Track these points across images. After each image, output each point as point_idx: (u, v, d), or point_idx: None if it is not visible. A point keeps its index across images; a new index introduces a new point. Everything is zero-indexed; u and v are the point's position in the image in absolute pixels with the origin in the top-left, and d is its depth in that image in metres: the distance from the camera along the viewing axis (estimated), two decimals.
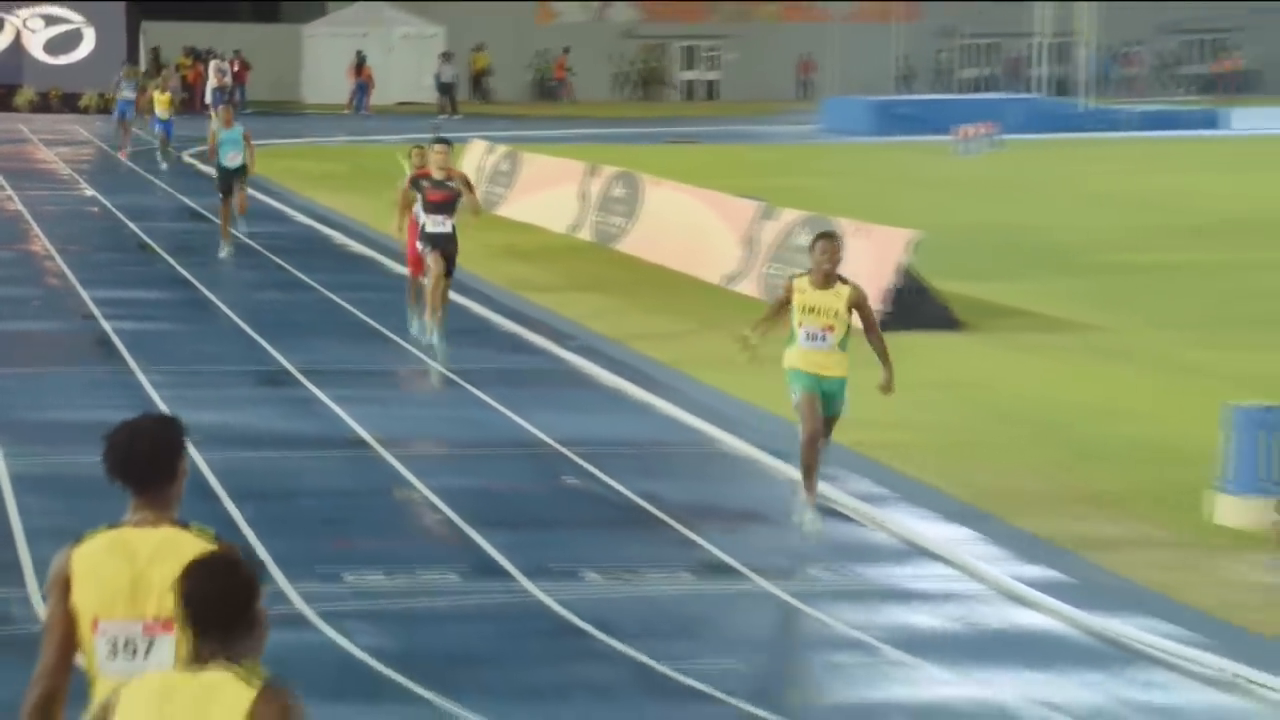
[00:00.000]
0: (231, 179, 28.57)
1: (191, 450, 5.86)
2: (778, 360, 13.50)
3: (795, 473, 15.31)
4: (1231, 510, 13.62)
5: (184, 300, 24.75)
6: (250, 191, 29.49)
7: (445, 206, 19.60)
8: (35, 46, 67.35)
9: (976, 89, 74.00)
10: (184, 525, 5.67)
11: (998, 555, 13.05)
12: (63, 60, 66.99)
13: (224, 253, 28.20)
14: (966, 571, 12.68)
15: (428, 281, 19.98)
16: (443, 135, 21.07)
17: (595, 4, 76.17)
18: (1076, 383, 19.24)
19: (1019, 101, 61.99)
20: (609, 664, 10.76)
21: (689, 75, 76.84)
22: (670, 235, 28.36)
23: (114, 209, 35.02)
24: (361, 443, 16.20)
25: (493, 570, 12.50)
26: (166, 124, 42.59)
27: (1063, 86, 71.54)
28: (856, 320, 13.23)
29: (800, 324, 13.23)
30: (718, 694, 10.24)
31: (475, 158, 36.22)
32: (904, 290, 22.41)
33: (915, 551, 13.22)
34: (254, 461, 15.44)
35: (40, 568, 12.34)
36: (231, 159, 28.42)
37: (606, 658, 10.85)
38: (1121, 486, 14.88)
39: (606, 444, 16.28)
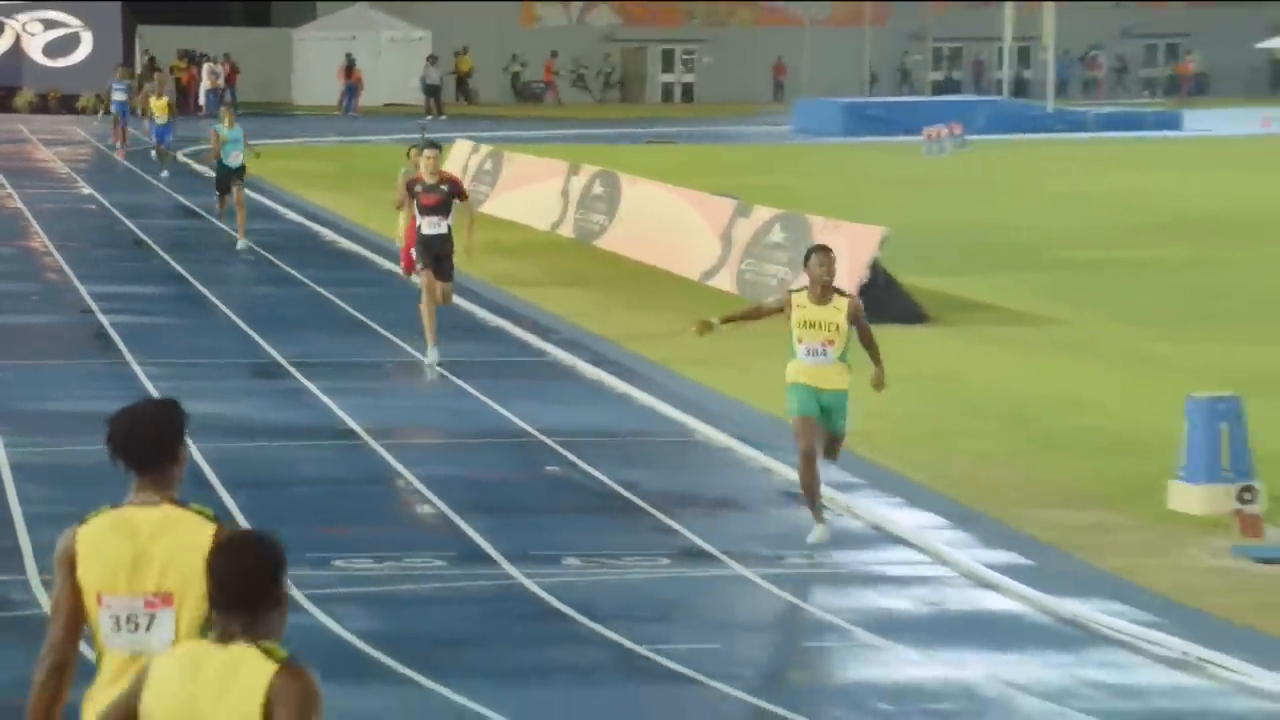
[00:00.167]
0: (230, 178, 28.60)
1: (187, 439, 5.88)
2: (758, 360, 13.50)
3: (768, 461, 15.34)
4: (1191, 498, 13.64)
5: (179, 295, 24.70)
6: (245, 191, 29.37)
7: (439, 209, 19.37)
8: (34, 49, 67.21)
9: (941, 91, 74.07)
10: (184, 505, 5.71)
11: (964, 541, 13.06)
12: (61, 63, 66.85)
13: (241, 245, 28.15)
14: (934, 557, 12.69)
15: (424, 305, 19.41)
16: (432, 140, 20.87)
17: (576, 7, 76.11)
18: (1041, 375, 19.27)
19: (985, 103, 62.05)
20: (590, 646, 10.76)
21: (667, 78, 76.80)
22: (649, 232, 28.36)
23: (111, 207, 34.95)
24: (351, 433, 16.18)
25: (478, 556, 12.49)
26: (164, 129, 42.32)
27: (1026, 89, 71.66)
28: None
29: (800, 340, 12.80)
30: (695, 675, 10.25)
31: (460, 157, 36.18)
32: (874, 285, 22.41)
33: (885, 538, 13.23)
34: (247, 451, 15.42)
35: (40, 553, 12.31)
36: (233, 158, 28.47)
37: (587, 640, 10.85)
38: (1084, 475, 14.90)
39: (588, 434, 16.27)
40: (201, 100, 64.01)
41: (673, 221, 27.75)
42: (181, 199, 36.50)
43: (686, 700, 10.00)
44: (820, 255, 12.96)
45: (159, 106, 42.73)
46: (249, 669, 4.90)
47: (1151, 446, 15.00)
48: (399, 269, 22.96)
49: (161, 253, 28.64)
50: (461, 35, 71.73)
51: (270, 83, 68.83)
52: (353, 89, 66.62)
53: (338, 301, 23.80)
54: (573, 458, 15.32)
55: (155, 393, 17.54)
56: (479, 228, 20.16)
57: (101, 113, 47.64)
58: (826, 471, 14.87)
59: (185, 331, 21.77)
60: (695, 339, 13.53)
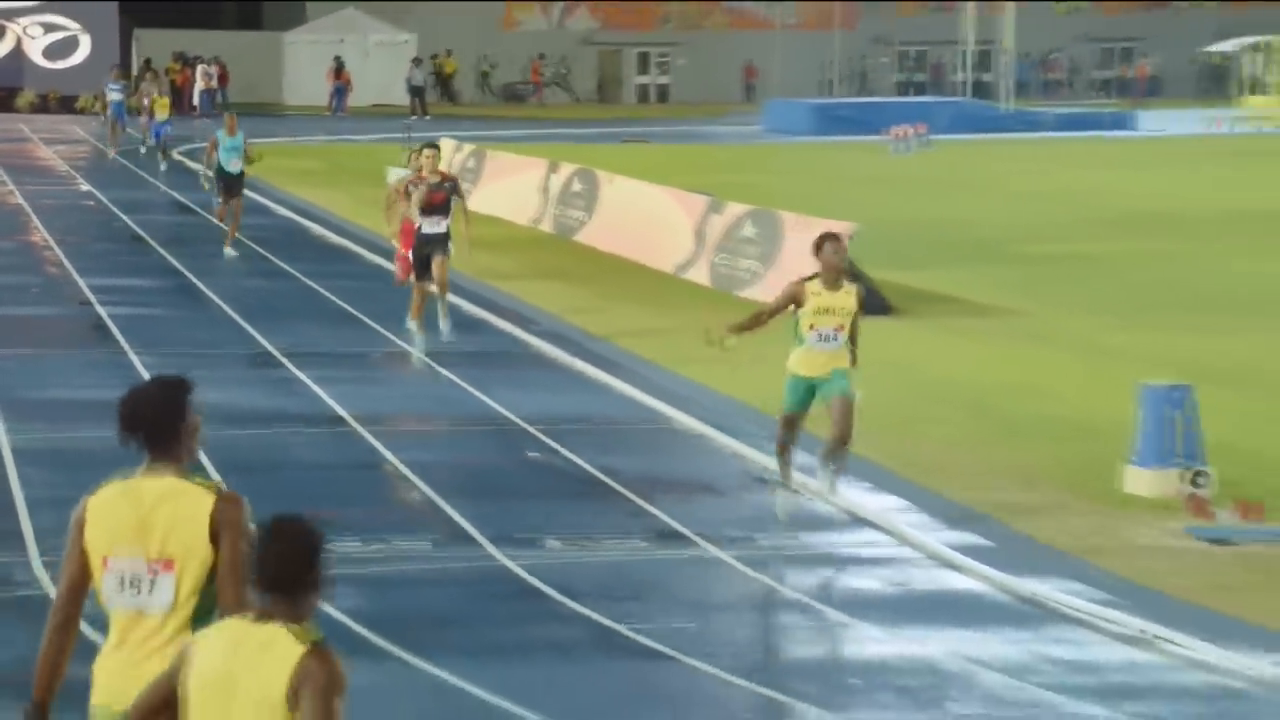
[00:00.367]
0: (232, 184, 27.66)
1: (195, 412, 5.96)
2: (752, 358, 13.48)
3: (740, 447, 15.33)
4: (1143, 481, 13.66)
5: (174, 288, 24.65)
6: (245, 196, 29.15)
7: (441, 208, 19.06)
8: (35, 52, 67.10)
9: (904, 93, 74.14)
10: (189, 477, 5.85)
11: (928, 523, 13.07)
12: (60, 65, 66.73)
13: (229, 252, 27.33)
14: (900, 538, 12.70)
15: (433, 287, 19.20)
16: (432, 140, 20.52)
17: (556, 11, 76.03)
18: (1001, 364, 19.29)
19: (947, 104, 62.09)
20: (569, 624, 10.75)
21: (642, 80, 76.75)
22: (626, 227, 28.34)
23: (109, 203, 34.85)
24: (340, 420, 16.15)
25: (462, 538, 12.48)
26: (163, 126, 42.14)
27: (987, 90, 71.74)
28: None
29: (812, 326, 12.62)
30: (670, 652, 10.24)
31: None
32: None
33: (853, 520, 13.23)
34: (240, 438, 15.38)
35: (41, 536, 12.28)
36: (233, 165, 27.55)
37: (567, 619, 10.84)
38: (1042, 460, 14.92)
39: (567, 421, 16.26)
40: (196, 100, 63.85)
41: (649, 217, 27.73)
42: (177, 195, 36.42)
43: (662, 676, 9.99)
44: (834, 243, 12.78)
45: (161, 105, 42.59)
46: (280, 649, 4.94)
47: (1106, 432, 15.02)
48: (394, 270, 22.46)
49: (158, 247, 28.56)
50: (445, 38, 71.65)
51: (261, 84, 68.68)
52: (341, 90, 66.51)
53: (327, 294, 23.75)
54: (553, 444, 15.31)
55: None
56: (472, 223, 20.02)
57: (111, 117, 47.39)
58: (796, 454, 14.86)
59: (180, 323, 21.72)
60: (711, 349, 13.27)
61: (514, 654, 10.24)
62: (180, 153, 43.60)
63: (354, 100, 66.40)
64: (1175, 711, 9.60)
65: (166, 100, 43.27)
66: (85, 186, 38.52)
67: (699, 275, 25.26)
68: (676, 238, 26.30)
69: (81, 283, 24.57)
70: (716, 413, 16.59)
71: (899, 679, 10.07)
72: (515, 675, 9.86)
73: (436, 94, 69.92)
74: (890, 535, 12.78)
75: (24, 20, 67.12)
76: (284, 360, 18.97)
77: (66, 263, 26.60)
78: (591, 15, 76.15)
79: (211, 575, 5.81)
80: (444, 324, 19.30)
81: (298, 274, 25.60)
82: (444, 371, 18.50)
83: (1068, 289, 24.63)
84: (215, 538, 5.82)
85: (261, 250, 27.93)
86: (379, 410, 16.58)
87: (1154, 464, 13.63)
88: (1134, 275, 25.94)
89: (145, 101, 46.39)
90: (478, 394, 17.36)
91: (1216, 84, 76.06)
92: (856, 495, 13.75)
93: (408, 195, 19.49)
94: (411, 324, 19.51)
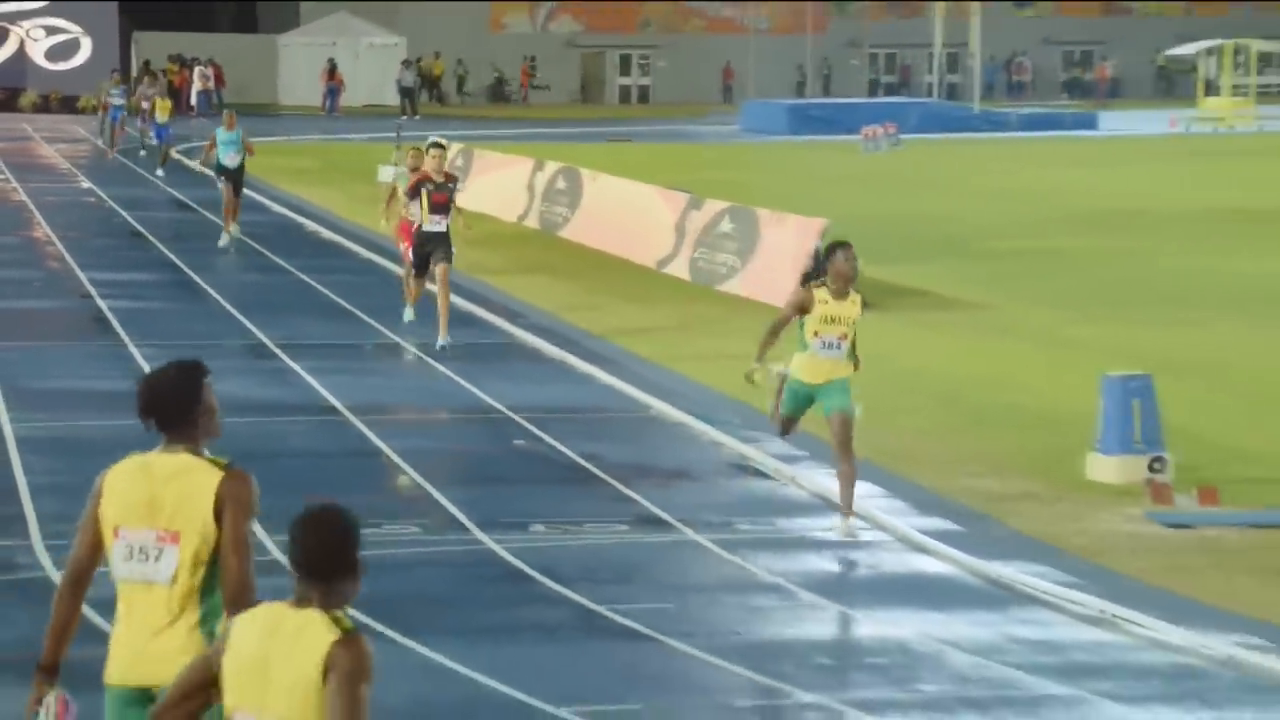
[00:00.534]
0: (233, 175, 27.78)
1: (210, 394, 6.02)
2: (710, 342, 13.45)
3: (719, 435, 15.32)
4: (1105, 468, 13.68)
5: (173, 281, 24.59)
6: (245, 191, 29.05)
7: (444, 207, 18.80)
8: (37, 54, 66.94)
9: (874, 94, 74.16)
10: (201, 454, 5.95)
11: (899, 508, 13.07)
12: (62, 66, 66.55)
13: (223, 241, 27.48)
14: (872, 523, 12.69)
15: (435, 286, 18.96)
16: (438, 140, 20.16)
17: (540, 16, 75.94)
18: (970, 356, 19.29)
19: (917, 105, 62.09)
20: (554, 606, 10.74)
21: (624, 81, 76.70)
22: (609, 223, 28.31)
23: (109, 200, 34.75)
24: (333, 409, 16.12)
25: (451, 523, 12.46)
26: (164, 128, 41.86)
27: (955, 92, 71.78)
28: None
29: (817, 333, 12.15)
30: (652, 633, 10.23)
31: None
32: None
33: (826, 505, 13.22)
34: (236, 426, 15.22)
35: (43, 521, 12.25)
36: (231, 159, 27.66)
37: (552, 601, 10.83)
38: (1009, 448, 14.92)
39: (552, 410, 16.24)
40: (193, 101, 63.72)
41: (631, 213, 27.71)
42: (175, 193, 36.32)
43: (643, 656, 9.98)
44: (846, 251, 12.32)
45: (163, 107, 42.33)
46: (314, 635, 4.93)
47: (1070, 421, 15.03)
48: (399, 268, 22.22)
49: (156, 243, 28.49)
50: (434, 41, 71.57)
51: (257, 85, 68.56)
52: (334, 91, 66.40)
53: (320, 288, 23.71)
54: (539, 432, 15.29)
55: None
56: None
57: (111, 120, 47.23)
58: (772, 443, 14.86)
59: (178, 315, 21.67)
60: (750, 385, 12.61)
61: (501, 634, 10.23)
62: (178, 151, 43.47)
63: (346, 100, 66.30)
64: (1137, 689, 9.60)
65: (168, 103, 43.02)
66: (86, 184, 38.39)
67: (679, 270, 25.25)
68: (658, 233, 26.28)
69: (82, 277, 24.50)
70: (696, 402, 16.58)
71: (871, 659, 10.07)
72: (502, 655, 9.85)
73: (426, 95, 69.82)
74: (863, 520, 12.77)
75: (27, 23, 66.97)
76: (279, 352, 18.93)
77: (68, 257, 26.53)
78: (575, 19, 76.08)
79: (217, 550, 5.83)
80: (442, 339, 18.77)
81: (292, 269, 25.55)
82: (434, 363, 18.48)
83: (1033, 283, 24.65)
84: (219, 513, 5.84)
85: (257, 246, 27.88)
86: (371, 400, 16.55)
87: (1116, 451, 13.65)
88: (1097, 270, 25.97)
89: (144, 104, 46.23)
90: (466, 385, 17.34)
91: (1174, 86, 76.28)
92: (830, 482, 13.74)
93: (413, 195, 19.06)
94: (408, 311, 19.54)
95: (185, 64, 67.19)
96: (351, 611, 10.47)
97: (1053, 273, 25.71)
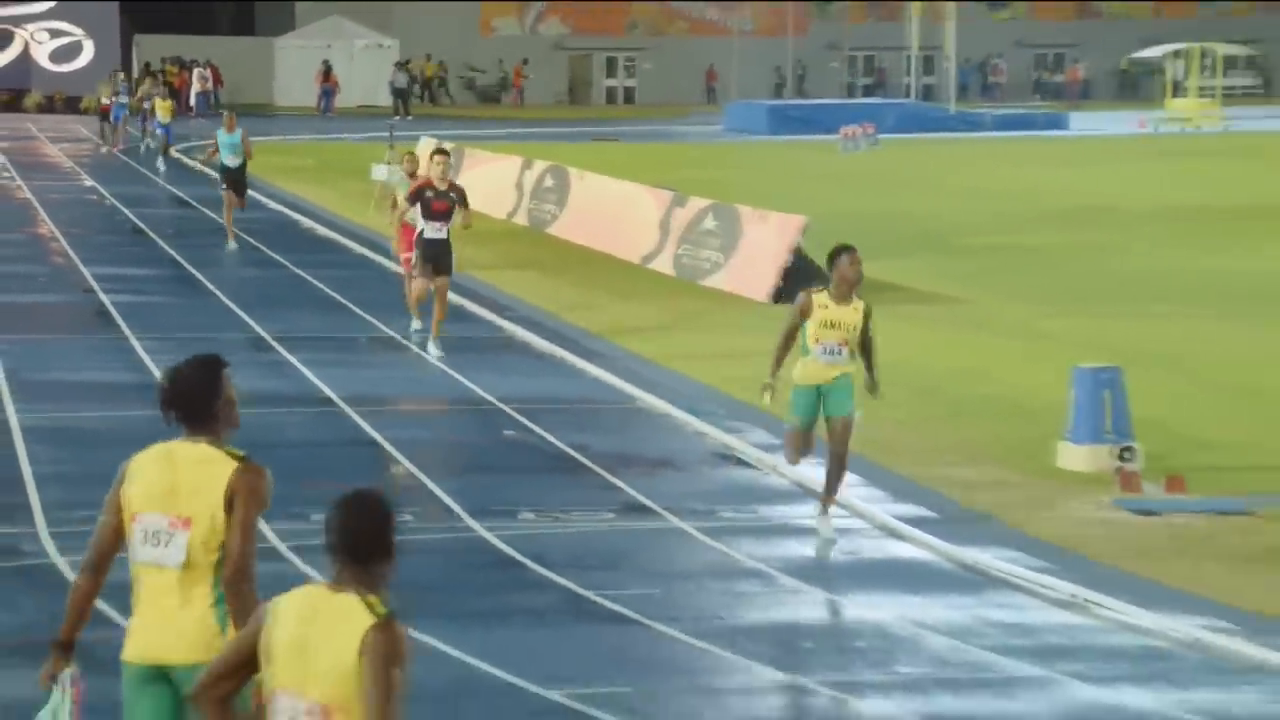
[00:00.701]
0: (234, 176, 27.20)
1: (229, 387, 6.04)
2: (695, 336, 13.41)
3: (702, 425, 15.32)
4: (1076, 457, 13.70)
5: (173, 277, 24.54)
6: (249, 192, 28.86)
7: (445, 215, 18.29)
8: (41, 56, 66.84)
9: (852, 95, 74.17)
10: (220, 446, 5.97)
11: (877, 496, 13.08)
12: (65, 68, 66.43)
13: (231, 247, 26.72)
14: (851, 510, 12.70)
15: (431, 288, 18.48)
16: (442, 147, 19.75)
17: (530, 18, 75.87)
18: (946, 349, 19.29)
19: (894, 106, 62.08)
20: (543, 592, 10.74)
21: (611, 83, 76.62)
22: (595, 220, 28.29)
23: (112, 198, 34.68)
24: (329, 400, 16.10)
25: (443, 511, 12.44)
26: (166, 128, 41.70)
27: (931, 93, 71.80)
28: None
29: (817, 339, 11.67)
30: (637, 617, 10.24)
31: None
32: (796, 268, 22.43)
33: (806, 493, 13.22)
34: None
35: (48, 509, 12.23)
36: (232, 159, 27.11)
37: (540, 586, 10.83)
38: (984, 437, 14.93)
39: (541, 401, 16.23)
40: (192, 102, 63.60)
41: (616, 211, 27.69)
42: (176, 191, 36.26)
43: (629, 639, 9.98)
44: (850, 255, 11.75)
45: (164, 108, 42.19)
46: (352, 619, 4.92)
47: (1042, 411, 15.05)
48: (399, 268, 22.03)
49: (158, 239, 28.43)
50: (426, 43, 71.49)
51: (254, 86, 68.44)
52: (329, 92, 66.30)
53: (316, 283, 23.68)
54: (528, 423, 15.28)
55: (151, 365, 17.42)
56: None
57: (114, 119, 47.11)
58: (754, 433, 14.87)
59: (179, 310, 21.63)
60: (763, 399, 11.96)
61: (492, 619, 10.22)
62: (178, 150, 43.40)
63: (341, 101, 66.21)
64: (1106, 671, 9.62)
65: (170, 104, 42.87)
66: (89, 182, 38.31)
67: (663, 265, 25.24)
68: (643, 230, 26.27)
69: (86, 272, 24.44)
70: (680, 394, 16.58)
71: (850, 641, 10.08)
72: (493, 639, 9.84)
73: (419, 96, 69.74)
74: (842, 507, 12.77)
75: (31, 26, 66.88)
76: (276, 345, 18.90)
77: (71, 253, 26.47)
78: (562, 22, 76.01)
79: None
80: (433, 346, 18.35)
81: (289, 264, 25.51)
82: (426, 356, 18.45)
83: (1008, 279, 24.67)
84: (230, 503, 5.87)
85: (255, 242, 27.82)
86: (365, 392, 16.53)
87: (1086, 441, 13.66)
88: (1069, 266, 25.99)
89: (145, 104, 46.12)
90: (458, 376, 17.32)
91: (1138, 88, 76.44)
92: (810, 471, 13.75)
93: (414, 201, 18.49)
94: (415, 321, 19.18)
95: (184, 66, 67.10)
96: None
97: (1026, 268, 25.73)
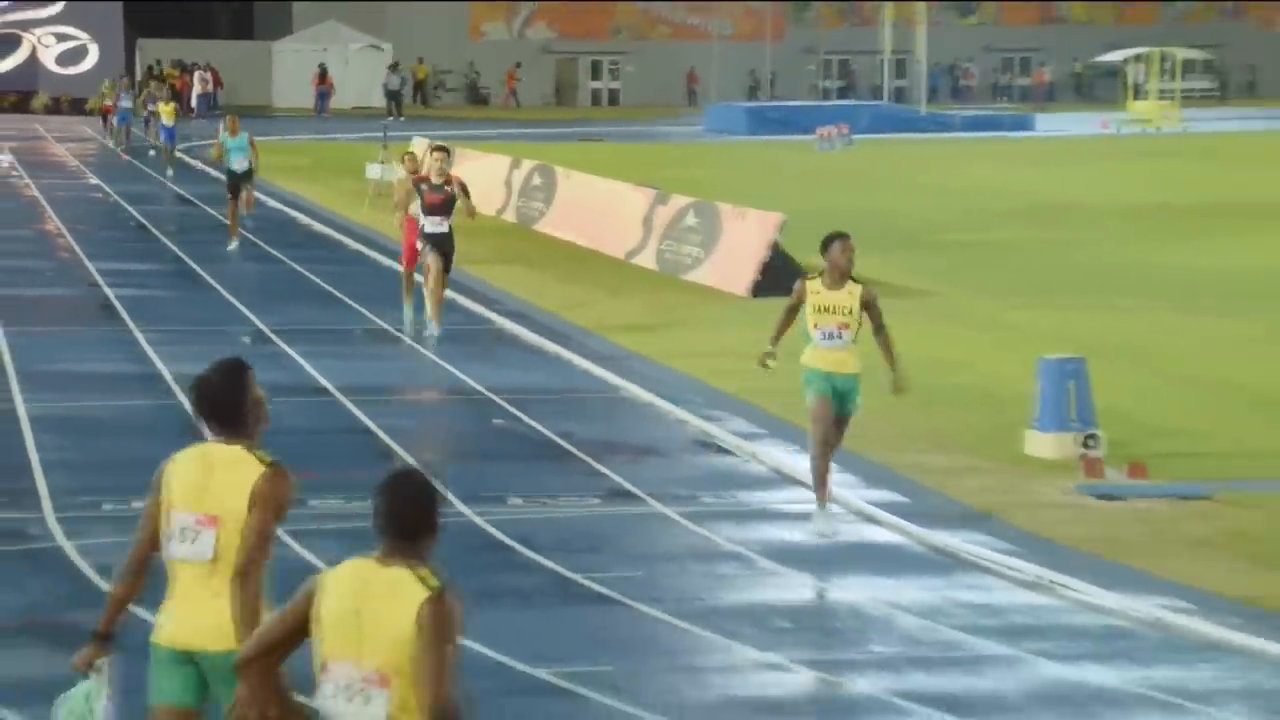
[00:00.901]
0: (239, 181, 26.72)
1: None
2: (677, 328, 13.38)
3: (684, 414, 15.31)
4: (1043, 444, 13.70)
5: (175, 271, 24.48)
6: (255, 194, 28.73)
7: (442, 208, 18.25)
8: (48, 59, 66.77)
9: (827, 97, 74.17)
10: (253, 449, 6.04)
11: (852, 482, 13.07)
12: (71, 71, 66.33)
13: (232, 246, 26.30)
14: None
15: (424, 280, 18.58)
16: (441, 144, 19.61)
17: (518, 22, 75.77)
18: (917, 340, 19.19)
19: (868, 107, 62.08)
20: (531, 574, 10.72)
21: (596, 85, 76.54)
22: (581, 217, 28.26)
23: (116, 195, 34.59)
24: (324, 390, 16.07)
25: None
26: (170, 130, 41.47)
27: (903, 95, 71.81)
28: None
29: (815, 325, 11.46)
30: (621, 598, 10.22)
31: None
32: (773, 263, 22.43)
33: (784, 479, 13.23)
34: None
35: (54, 494, 12.19)
36: (238, 164, 26.62)
37: (528, 569, 10.81)
38: (954, 426, 14.93)
39: (529, 391, 16.21)
40: (194, 103, 63.47)
41: (602, 208, 27.67)
42: (177, 189, 36.17)
43: (614, 620, 9.97)
44: (842, 242, 11.55)
45: (167, 111, 41.93)
46: (406, 592, 4.96)
47: (1010, 400, 15.05)
48: (398, 266, 22.02)
49: (160, 235, 28.36)
50: (418, 47, 71.40)
51: (253, 88, 68.32)
52: (325, 94, 66.17)
53: (311, 277, 23.63)
54: (517, 412, 15.26)
55: (154, 357, 17.38)
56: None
57: (105, 118, 47.00)
58: (734, 421, 14.87)
59: (180, 303, 21.57)
60: (762, 368, 11.73)
61: (482, 600, 10.18)
62: (180, 150, 43.28)
63: (336, 103, 66.09)
64: (1071, 649, 9.62)
65: (173, 106, 42.61)
66: (94, 180, 38.20)
67: (646, 260, 25.22)
68: (627, 227, 26.25)
69: (91, 267, 24.37)
70: (663, 384, 16.56)
71: (826, 621, 10.07)
72: (483, 619, 9.81)
73: (411, 97, 69.63)
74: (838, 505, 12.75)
75: (39, 30, 66.83)
76: (273, 336, 18.86)
77: (77, 249, 26.39)
78: (549, 26, 75.93)
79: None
80: (433, 327, 18.41)
81: (287, 259, 25.46)
82: (417, 347, 18.43)
83: (977, 273, 24.68)
84: (253, 505, 5.93)
85: (254, 238, 27.75)
86: (359, 382, 16.49)
87: (1052, 429, 13.67)
88: (1035, 260, 26.01)
89: (149, 106, 45.96)
90: (449, 367, 17.29)
91: (1093, 90, 76.57)
92: (787, 457, 13.76)
93: (418, 192, 18.48)
94: (405, 308, 19.24)
95: (185, 69, 66.96)
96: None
97: (995, 263, 25.74)
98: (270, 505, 5.91)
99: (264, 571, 5.93)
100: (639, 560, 11.08)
